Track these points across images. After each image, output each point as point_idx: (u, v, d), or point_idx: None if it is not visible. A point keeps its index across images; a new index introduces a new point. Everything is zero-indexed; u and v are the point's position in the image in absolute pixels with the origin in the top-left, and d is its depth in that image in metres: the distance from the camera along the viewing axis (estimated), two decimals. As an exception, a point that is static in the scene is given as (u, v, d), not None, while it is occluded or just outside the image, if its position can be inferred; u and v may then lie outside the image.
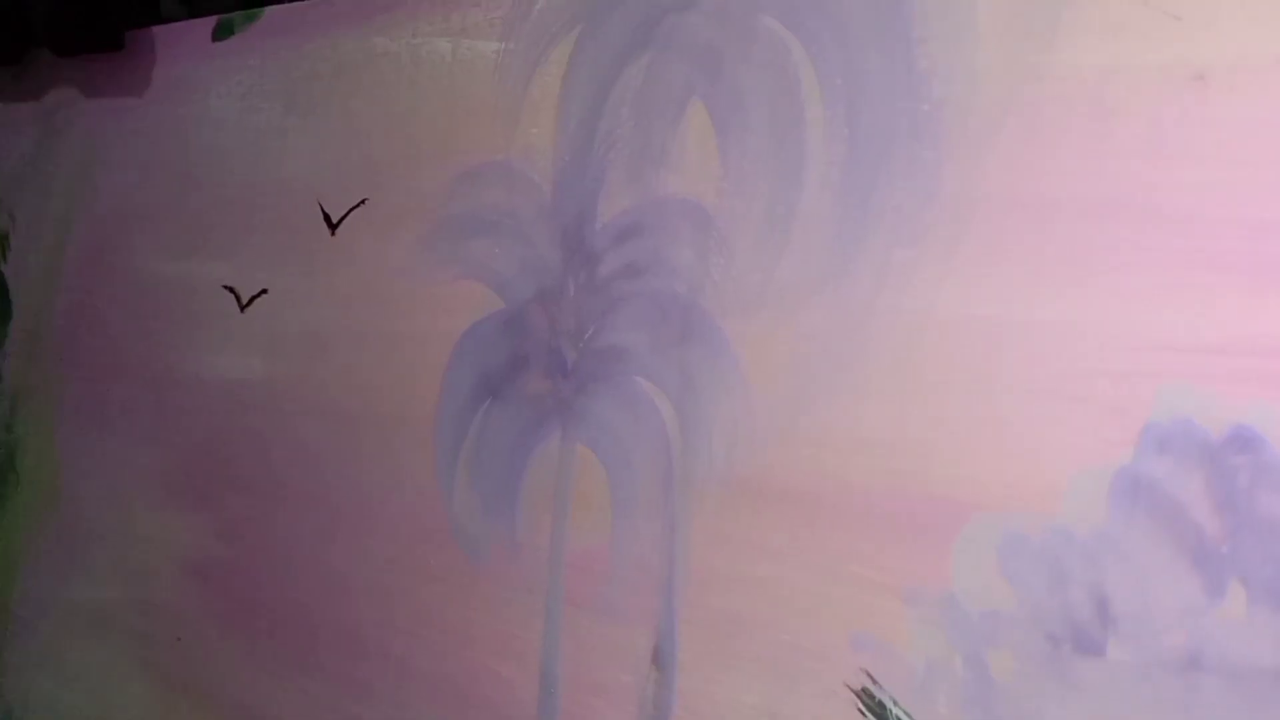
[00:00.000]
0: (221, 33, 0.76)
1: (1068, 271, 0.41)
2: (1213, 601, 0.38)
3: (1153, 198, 0.39)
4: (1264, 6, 0.37)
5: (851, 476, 0.46)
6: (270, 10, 0.73)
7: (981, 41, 0.43)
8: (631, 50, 0.53)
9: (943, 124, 0.44)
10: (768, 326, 0.49)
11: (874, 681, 0.45)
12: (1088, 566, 0.40)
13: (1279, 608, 0.37)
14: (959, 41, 0.43)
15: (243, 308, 0.72)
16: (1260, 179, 0.37)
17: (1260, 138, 0.38)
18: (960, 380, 0.43)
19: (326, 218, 0.67)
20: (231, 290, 0.73)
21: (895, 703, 0.45)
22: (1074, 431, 0.41)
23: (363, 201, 0.65)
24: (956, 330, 0.43)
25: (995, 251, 0.43)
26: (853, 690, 0.46)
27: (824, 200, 0.47)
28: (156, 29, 0.80)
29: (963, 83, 0.43)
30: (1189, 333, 0.38)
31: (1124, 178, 0.40)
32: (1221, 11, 0.38)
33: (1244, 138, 0.38)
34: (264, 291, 0.71)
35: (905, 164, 0.45)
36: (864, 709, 0.45)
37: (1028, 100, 0.42)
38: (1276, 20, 0.37)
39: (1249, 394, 0.37)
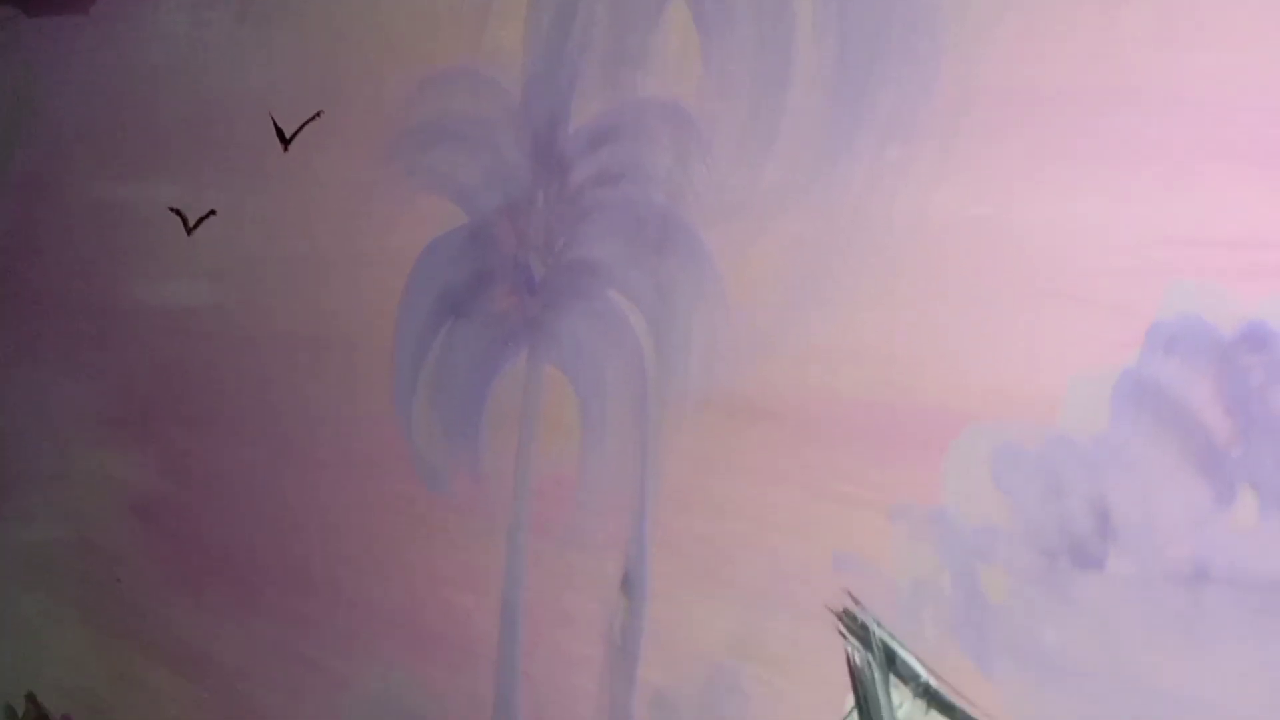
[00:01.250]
0: (171, -56, 0.72)
1: (1069, 166, 0.39)
2: (1221, 509, 0.36)
3: (1161, 86, 0.37)
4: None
5: (838, 390, 0.44)
6: (222, -83, 0.69)
7: (983, -77, 0.40)
8: (608, -55, 0.50)
9: (940, 13, 0.41)
10: (750, 234, 0.46)
11: (856, 603, 0.43)
12: (1087, 476, 0.38)
13: (1290, 514, 0.35)
14: (959, -77, 0.41)
15: (190, 230, 0.69)
16: (1274, 59, 0.35)
17: (1271, 18, 0.35)
18: (954, 285, 0.41)
19: (279, 132, 0.63)
20: (178, 213, 0.69)
21: (879, 624, 0.42)
22: (1074, 334, 0.39)
23: (318, 114, 0.62)
24: (951, 232, 0.41)
25: (993, 147, 0.40)
26: (834, 612, 0.43)
27: (812, 98, 0.44)
28: (101, -60, 0.76)
29: (962, -33, 0.41)
30: (1199, 226, 0.36)
31: (1130, 66, 0.38)
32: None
33: (1259, 19, 0.36)
34: (212, 213, 0.68)
35: (900, 57, 0.42)
36: (845, 631, 0.43)
37: (1031, -16, 0.39)
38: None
39: (1263, 289, 0.35)
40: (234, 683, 0.66)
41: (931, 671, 0.41)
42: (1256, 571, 0.35)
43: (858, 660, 0.43)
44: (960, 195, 0.41)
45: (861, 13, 0.43)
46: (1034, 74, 0.40)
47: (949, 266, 0.41)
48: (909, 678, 0.42)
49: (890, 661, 0.42)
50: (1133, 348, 0.37)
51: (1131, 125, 0.38)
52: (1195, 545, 0.36)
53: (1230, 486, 0.36)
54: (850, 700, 0.43)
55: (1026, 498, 0.39)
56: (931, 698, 0.41)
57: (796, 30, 0.45)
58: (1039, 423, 0.39)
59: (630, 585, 0.49)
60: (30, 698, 0.78)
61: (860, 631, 0.43)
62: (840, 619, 0.43)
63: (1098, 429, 0.38)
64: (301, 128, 0.62)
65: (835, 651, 0.43)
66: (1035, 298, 0.39)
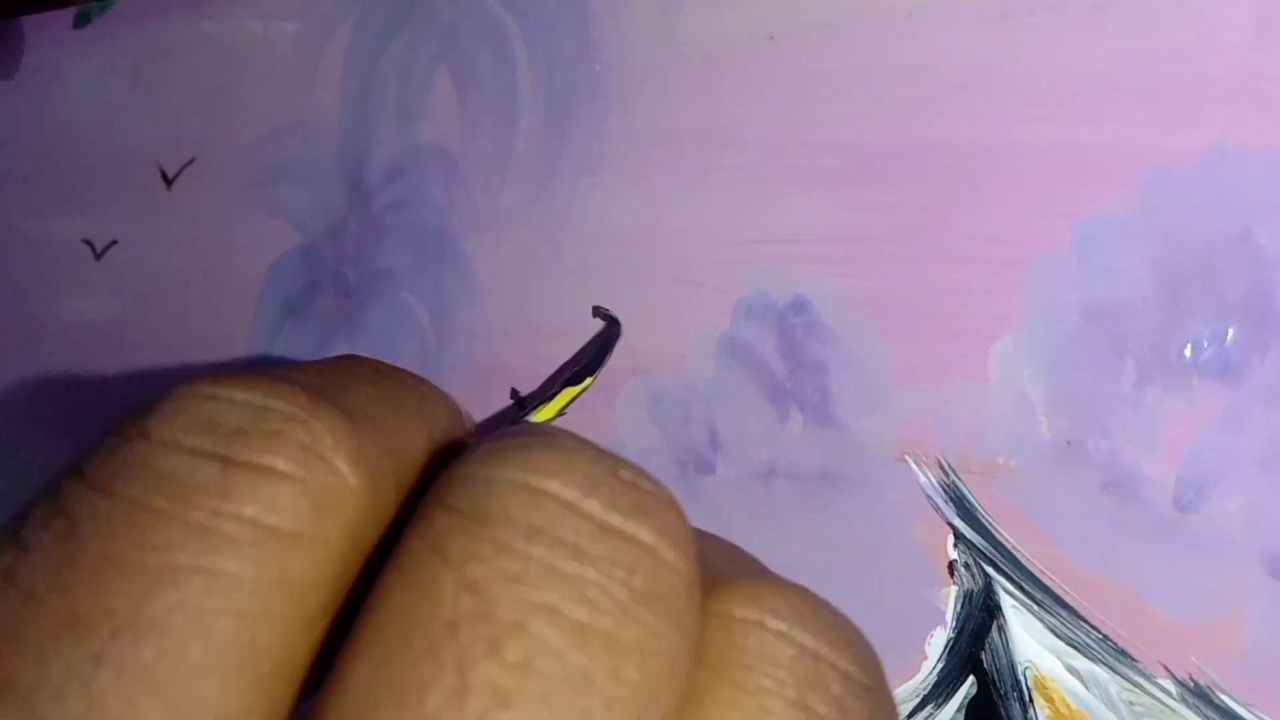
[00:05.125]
0: (80, 21, 0.88)
1: (687, 189, 0.54)
2: (782, 425, 0.51)
3: (739, 130, 0.53)
4: (811, -13, 0.51)
5: (551, 356, 0.59)
6: (120, 1, 0.84)
7: (634, 15, 0.56)
8: (394, 28, 0.66)
9: (609, 81, 0.57)
10: (496, 243, 0.61)
11: (568, 514, 0.58)
12: (704, 408, 0.54)
13: (823, 426, 0.50)
14: (618, 16, 0.57)
15: (97, 257, 0.84)
16: (812, 111, 0.51)
17: (812, 80, 0.51)
18: (621, 274, 0.56)
19: (164, 175, 0.79)
20: (88, 242, 0.84)
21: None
22: (694, 308, 0.54)
23: (192, 160, 0.77)
24: (619, 237, 0.57)
25: (643, 175, 0.56)
26: (553, 522, 0.58)
27: (531, 142, 0.60)
28: (25, 19, 0.91)
29: (621, 48, 0.57)
30: (764, 229, 0.52)
31: (721, 116, 0.53)
32: (787, -9, 0.52)
33: (801, 81, 0.51)
34: (114, 242, 0.82)
35: (585, 112, 0.58)
36: (561, 536, 0.58)
37: (662, 60, 0.55)
38: (823, -3, 0.51)
39: (804, 271, 0.51)
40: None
41: (614, 558, 0.56)
42: (806, 468, 0.51)
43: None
44: (623, 210, 0.56)
45: (561, 81, 0.59)
46: (665, 125, 0.55)
47: (619, 262, 0.57)
48: (601, 565, 0.57)
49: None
50: (728, 316, 0.53)
51: (722, 159, 0.53)
52: (768, 452, 0.52)
53: (787, 409, 0.51)
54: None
55: (668, 426, 0.55)
56: (615, 578, 0.56)
57: (520, 91, 0.61)
58: (675, 372, 0.55)
59: (421, 516, 0.64)
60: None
61: (570, 534, 0.58)
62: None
63: (709, 375, 0.54)
64: (180, 170, 0.78)
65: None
66: (672, 284, 0.55)
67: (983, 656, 0.46)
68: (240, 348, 0.73)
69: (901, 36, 0.49)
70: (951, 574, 0.47)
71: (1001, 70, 0.46)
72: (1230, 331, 0.41)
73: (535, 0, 0.60)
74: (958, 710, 0.47)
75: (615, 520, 0.18)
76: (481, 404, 0.62)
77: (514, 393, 0.60)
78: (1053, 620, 0.45)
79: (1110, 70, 0.44)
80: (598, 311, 0.57)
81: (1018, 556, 0.45)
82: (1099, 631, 0.44)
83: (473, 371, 0.62)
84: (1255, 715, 0.41)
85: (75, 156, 0.86)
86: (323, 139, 0.69)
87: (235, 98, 0.75)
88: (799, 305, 0.51)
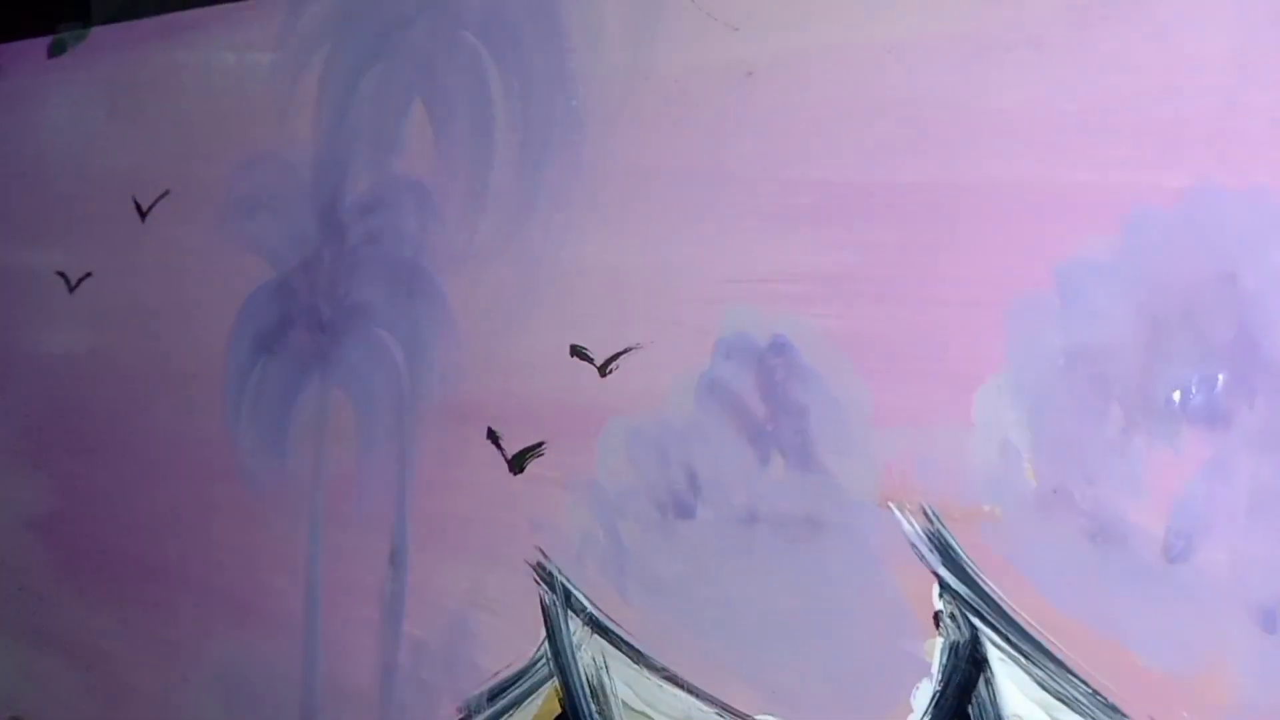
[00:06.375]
0: (56, 50, 0.86)
1: (664, 225, 0.53)
2: (762, 468, 0.50)
3: (716, 166, 0.52)
4: (796, 18, 0.50)
5: (531, 392, 0.58)
6: (96, 30, 0.83)
7: (608, 49, 0.55)
8: (368, 60, 0.65)
9: (583, 115, 0.56)
10: (472, 278, 0.60)
11: (545, 556, 0.57)
12: (682, 449, 0.52)
13: (804, 469, 0.49)
14: (593, 49, 0.56)
15: (72, 289, 0.82)
16: (788, 148, 0.50)
17: (790, 116, 0.50)
18: (599, 312, 0.55)
19: (138, 207, 0.77)
20: (62, 275, 0.83)
21: (560, 571, 0.56)
22: (672, 347, 0.53)
23: (166, 192, 0.76)
24: (596, 274, 0.55)
25: (620, 212, 0.55)
26: (530, 565, 0.57)
27: (507, 176, 0.59)
28: (0, 47, 0.90)
29: (596, 81, 0.56)
30: (743, 268, 0.51)
31: (697, 152, 0.52)
32: (766, 24, 0.51)
33: (779, 117, 0.50)
34: (89, 274, 0.81)
35: (560, 146, 0.57)
36: (539, 579, 0.57)
37: (638, 94, 0.54)
38: (802, 31, 0.50)
39: (783, 310, 0.50)
40: (113, 667, 0.79)
41: (593, 603, 0.55)
42: (786, 512, 0.50)
43: (546, 600, 0.57)
44: (599, 247, 0.55)
45: (537, 114, 0.58)
46: (641, 160, 0.54)
47: (595, 299, 0.55)
48: (579, 610, 0.55)
49: (567, 599, 0.56)
50: (707, 356, 0.52)
51: (698, 196, 0.52)
52: (748, 495, 0.51)
53: (767, 451, 0.50)
54: (543, 631, 0.57)
55: (647, 468, 0.53)
56: (594, 623, 0.55)
57: (496, 125, 0.59)
58: (653, 412, 0.53)
59: (396, 557, 0.63)
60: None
61: (548, 578, 0.57)
62: (535, 570, 0.57)
63: (688, 415, 0.52)
64: (155, 203, 0.76)
65: (533, 595, 0.57)
66: (647, 322, 0.54)
67: (970, 710, 0.45)
68: (214, 384, 0.72)
69: (881, 72, 0.48)
70: (937, 625, 0.45)
71: (981, 107, 0.45)
72: (1220, 378, 0.40)
73: (511, 33, 0.59)
74: (943, 764, 0.45)
75: None
76: (458, 443, 0.60)
77: (490, 431, 0.59)
78: (1041, 674, 0.43)
79: (1091, 109, 0.43)
80: (575, 350, 0.56)
81: (1004, 607, 0.44)
82: (1088, 685, 0.42)
83: (448, 409, 0.61)
84: (1248, 773, 0.40)
85: (50, 187, 0.85)
86: (297, 171, 0.68)
87: (210, 129, 0.73)
88: (779, 346, 0.50)
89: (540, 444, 0.57)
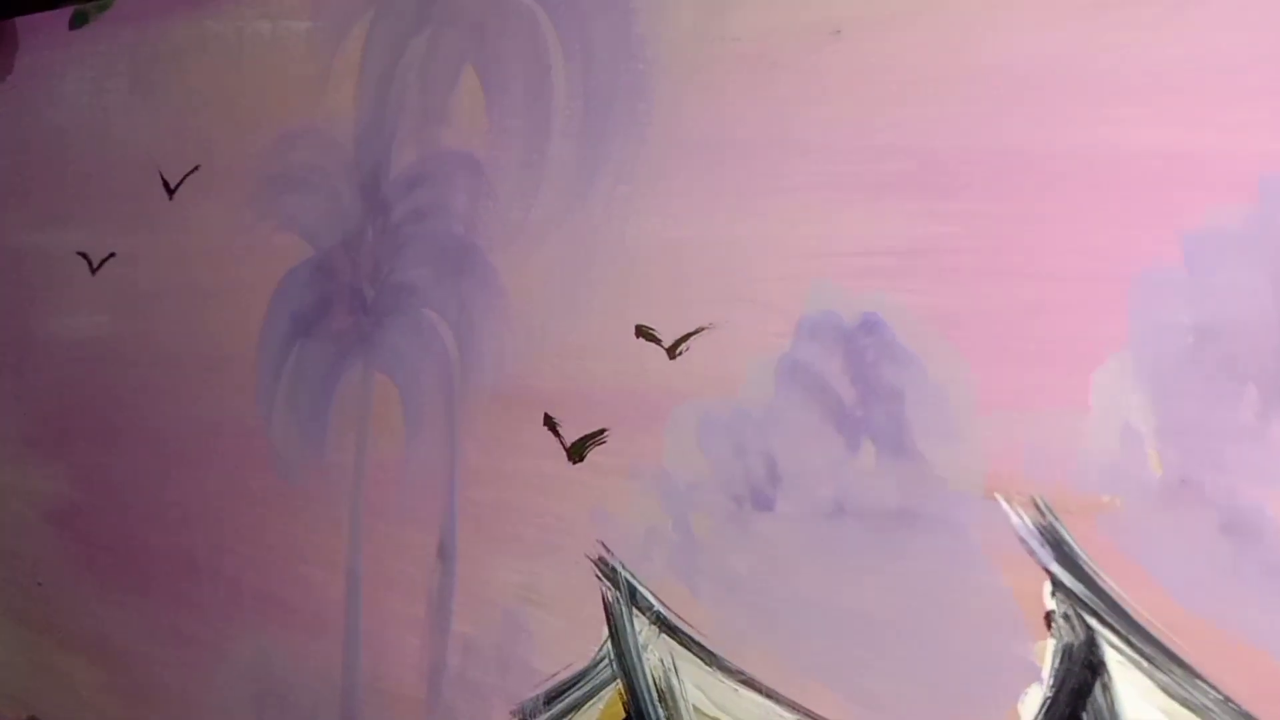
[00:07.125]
0: (77, 21, 0.83)
1: (740, 198, 0.50)
2: (851, 457, 0.47)
3: (799, 134, 0.48)
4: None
5: (591, 376, 0.54)
6: (119, 1, 0.80)
7: (678, 9, 0.52)
8: (416, 25, 0.61)
9: (651, 80, 0.52)
10: (525, 256, 0.57)
11: (607, 550, 0.53)
12: (761, 437, 0.49)
13: (898, 457, 0.46)
14: (661, 10, 0.52)
15: (94, 271, 0.79)
16: (878, 113, 0.46)
17: (882, 78, 0.47)
18: (666, 290, 0.52)
19: (165, 184, 0.74)
20: (84, 255, 0.80)
21: (623, 566, 0.53)
22: (749, 327, 0.49)
23: (196, 168, 0.72)
24: (661, 250, 0.52)
25: (688, 185, 0.51)
26: (591, 559, 0.54)
27: (566, 147, 0.55)
28: (19, 19, 0.87)
29: (666, 44, 0.52)
30: (827, 242, 0.47)
31: (779, 118, 0.49)
32: (853, -19, 0.47)
33: (868, 81, 0.47)
34: (112, 255, 0.78)
35: (625, 115, 0.53)
36: (600, 575, 0.53)
37: (711, 57, 0.51)
38: (893, -13, 0.46)
39: (873, 286, 0.46)
40: (134, 664, 0.75)
41: (660, 600, 0.52)
42: (878, 505, 0.46)
43: (609, 597, 0.53)
44: (666, 222, 0.52)
45: (599, 81, 0.54)
46: (715, 129, 0.51)
47: (660, 278, 0.52)
48: (645, 608, 0.52)
49: (632, 596, 0.52)
50: (788, 336, 0.48)
51: (779, 165, 0.49)
52: (835, 486, 0.47)
53: (856, 439, 0.47)
54: (605, 630, 0.53)
55: (720, 456, 0.50)
56: (661, 621, 0.52)
57: (554, 93, 0.56)
58: (726, 398, 0.50)
59: (444, 551, 0.59)
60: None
61: (610, 574, 0.53)
62: (596, 565, 0.54)
63: (767, 400, 0.49)
64: (183, 180, 0.73)
65: (594, 591, 0.54)
66: (720, 301, 0.50)
67: (1084, 717, 0.41)
68: (245, 369, 0.68)
69: (983, 29, 0.44)
70: (1049, 626, 0.42)
71: (1093, 67, 0.42)
72: (1374, 356, 0.36)
73: (570, -6, 0.55)
74: (1052, 776, 0.42)
75: None
76: (510, 430, 0.57)
77: (547, 418, 0.55)
78: (1165, 678, 0.40)
79: (1220, 67, 0.40)
80: (640, 331, 0.52)
81: (1124, 607, 0.41)
82: (1218, 691, 0.39)
83: (500, 395, 0.57)
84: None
85: (71, 164, 0.81)
86: (337, 145, 0.64)
87: (242, 102, 0.70)
88: (870, 325, 0.46)
89: (602, 431, 0.53)
